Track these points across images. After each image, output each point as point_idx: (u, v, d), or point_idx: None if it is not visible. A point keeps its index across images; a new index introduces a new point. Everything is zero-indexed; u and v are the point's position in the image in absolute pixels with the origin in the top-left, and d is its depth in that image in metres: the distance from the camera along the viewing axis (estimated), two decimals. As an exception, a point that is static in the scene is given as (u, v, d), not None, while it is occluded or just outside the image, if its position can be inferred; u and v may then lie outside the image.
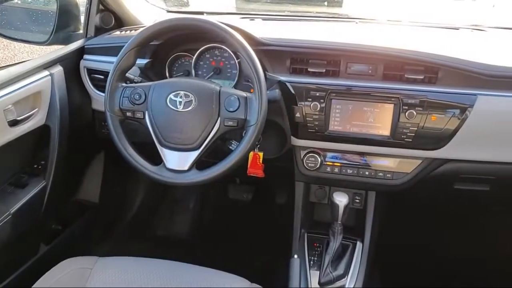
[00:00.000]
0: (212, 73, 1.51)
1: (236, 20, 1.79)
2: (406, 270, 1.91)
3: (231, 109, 1.21)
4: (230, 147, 1.35)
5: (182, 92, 1.23)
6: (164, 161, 1.25)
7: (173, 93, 1.24)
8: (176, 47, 1.55)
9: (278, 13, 2.09)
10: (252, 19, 1.86)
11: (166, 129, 1.24)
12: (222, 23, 1.25)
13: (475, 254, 1.95)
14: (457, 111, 1.26)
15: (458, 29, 1.74)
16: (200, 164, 1.25)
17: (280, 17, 1.96)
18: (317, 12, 2.04)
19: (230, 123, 1.22)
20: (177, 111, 1.23)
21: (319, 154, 1.42)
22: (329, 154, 1.43)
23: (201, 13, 1.99)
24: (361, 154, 1.41)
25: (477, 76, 1.27)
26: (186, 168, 1.23)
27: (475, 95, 1.26)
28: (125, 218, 2.21)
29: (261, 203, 2.28)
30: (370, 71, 1.34)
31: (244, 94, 1.23)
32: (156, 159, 1.26)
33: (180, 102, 1.23)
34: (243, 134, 1.24)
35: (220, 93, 1.23)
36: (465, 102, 1.26)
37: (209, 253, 2.03)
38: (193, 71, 1.52)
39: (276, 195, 2.21)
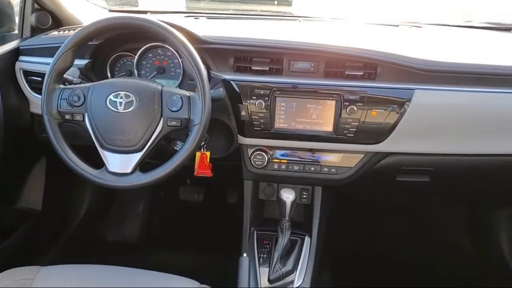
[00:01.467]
0: (156, 72, 1.48)
1: (179, 19, 1.77)
2: (355, 261, 1.96)
3: (174, 109, 1.19)
4: (175, 148, 1.33)
5: (122, 93, 1.20)
6: (106, 164, 1.21)
7: (113, 94, 1.20)
8: (118, 47, 1.51)
9: (224, 11, 2.08)
10: (196, 17, 1.84)
11: (107, 131, 1.21)
12: (163, 21, 1.23)
13: (421, 242, 2.03)
14: (396, 106, 1.30)
15: (397, 26, 1.80)
16: (144, 166, 1.23)
17: (225, 16, 1.96)
18: (261, 11, 2.05)
19: (174, 123, 1.20)
20: (118, 112, 1.19)
21: (266, 152, 1.44)
22: (276, 152, 1.45)
23: (145, 12, 1.95)
24: (307, 150, 1.43)
25: (414, 71, 1.31)
26: (129, 170, 1.20)
27: (412, 89, 1.30)
28: (71, 224, 2.13)
29: (213, 203, 2.27)
30: (312, 69, 1.36)
31: (187, 93, 1.21)
32: (99, 163, 1.23)
33: (121, 102, 1.20)
34: (188, 134, 1.22)
35: (162, 92, 1.20)
36: (403, 97, 1.30)
37: (160, 257, 2.01)
38: (135, 71, 1.48)
39: (228, 194, 2.21)
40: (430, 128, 1.34)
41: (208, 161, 1.43)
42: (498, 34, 1.72)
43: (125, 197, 2.32)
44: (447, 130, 1.34)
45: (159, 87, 1.21)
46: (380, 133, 1.34)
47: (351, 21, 1.88)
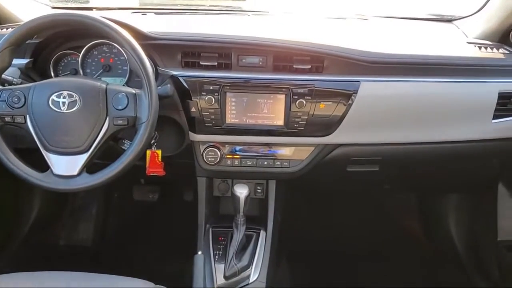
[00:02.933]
0: (102, 70, 1.44)
1: (126, 15, 1.72)
2: (312, 252, 1.98)
3: (119, 107, 1.17)
4: (123, 147, 1.29)
5: (65, 92, 1.16)
6: (51, 167, 1.17)
7: (56, 94, 1.16)
8: (61, 45, 1.45)
9: (173, 7, 2.05)
10: (144, 13, 1.80)
11: (51, 132, 1.17)
12: (106, 18, 1.19)
13: (374, 229, 2.09)
14: (343, 98, 1.33)
15: (345, 19, 1.83)
16: (92, 167, 1.19)
17: (174, 11, 1.93)
18: (210, 5, 2.03)
19: (120, 121, 1.17)
20: (61, 112, 1.16)
21: (218, 148, 1.43)
22: (229, 147, 1.44)
23: (90, 8, 1.89)
24: (259, 145, 1.43)
25: (360, 63, 1.34)
26: (75, 172, 1.17)
27: (358, 81, 1.33)
28: (22, 230, 2.05)
29: (169, 202, 2.24)
30: (260, 63, 1.36)
31: (132, 90, 1.19)
32: (44, 166, 1.18)
33: (64, 102, 1.16)
34: (136, 133, 1.20)
35: (106, 90, 1.18)
36: (349, 89, 1.32)
37: (115, 259, 1.97)
38: (80, 70, 1.43)
39: (183, 192, 2.18)
40: (377, 119, 1.38)
41: (159, 159, 1.41)
42: (440, 25, 1.77)
43: (77, 199, 2.25)
44: (393, 120, 1.38)
45: (104, 85, 1.18)
46: (329, 125, 1.36)
47: (300, 15, 1.89)
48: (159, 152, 1.41)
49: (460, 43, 1.52)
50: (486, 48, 1.47)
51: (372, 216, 2.13)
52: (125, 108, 1.17)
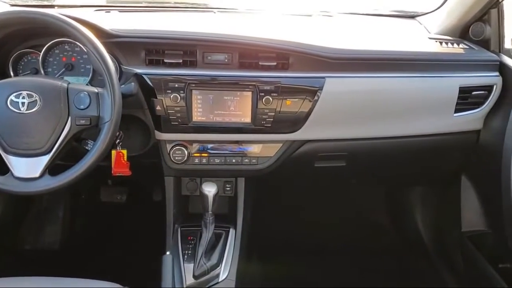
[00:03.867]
0: (64, 69, 1.40)
1: (89, 13, 1.68)
2: (283, 248, 1.99)
3: (81, 107, 1.14)
4: (87, 148, 1.27)
5: (24, 92, 1.13)
6: (11, 169, 1.14)
7: (14, 94, 1.13)
8: (20, 43, 1.40)
9: (137, 4, 2.02)
10: (108, 11, 1.76)
11: (10, 134, 1.13)
12: (66, 15, 1.16)
13: (344, 223, 2.11)
14: (309, 94, 1.34)
15: (310, 16, 1.84)
16: (55, 169, 1.16)
17: (139, 9, 1.89)
18: (175, 3, 2.00)
19: (83, 121, 1.15)
20: (21, 113, 1.12)
21: (185, 147, 1.41)
22: (196, 146, 1.43)
23: (52, 6, 1.84)
24: (227, 142, 1.42)
25: (325, 60, 1.35)
26: (37, 175, 1.13)
27: (323, 78, 1.34)
28: (-17, 237, 1.98)
29: (137, 203, 2.21)
30: (226, 60, 1.36)
31: (95, 89, 1.16)
32: (4, 168, 1.14)
33: (23, 103, 1.12)
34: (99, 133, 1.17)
35: (68, 90, 1.15)
36: (315, 85, 1.33)
37: (83, 262, 1.92)
38: (41, 69, 1.39)
39: (152, 192, 2.15)
40: (342, 115, 1.39)
41: (125, 159, 1.39)
42: (404, 21, 1.80)
43: (43, 202, 2.19)
44: (358, 115, 1.40)
45: (65, 85, 1.15)
46: (296, 122, 1.37)
47: (267, 12, 1.89)
48: (125, 152, 1.38)
49: (422, 38, 1.56)
50: (447, 43, 1.50)
51: (341, 210, 2.16)
52: (87, 107, 1.14)
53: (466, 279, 1.77)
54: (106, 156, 1.24)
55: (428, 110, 1.43)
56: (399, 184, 2.07)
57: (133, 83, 1.30)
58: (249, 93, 1.34)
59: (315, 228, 2.09)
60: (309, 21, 1.78)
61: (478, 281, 1.67)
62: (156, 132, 1.39)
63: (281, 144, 1.43)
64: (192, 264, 1.35)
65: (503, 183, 1.36)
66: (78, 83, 1.25)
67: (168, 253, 1.34)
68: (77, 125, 1.15)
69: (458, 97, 1.42)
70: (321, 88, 1.33)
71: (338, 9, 1.87)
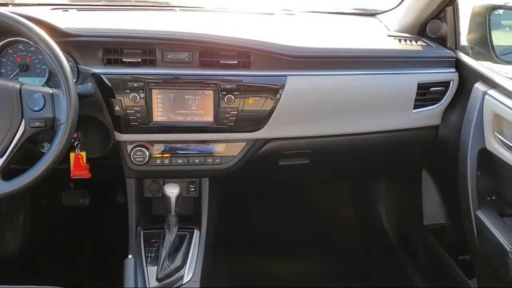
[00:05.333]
0: (18, 70, 1.35)
1: (44, 12, 1.63)
2: (251, 247, 1.99)
3: (36, 108, 1.11)
4: (43, 150, 1.22)
5: None
6: (-39, 174, 1.09)
7: None
8: (-30, 43, 1.35)
9: (97, 2, 1.97)
10: (65, 10, 1.71)
11: (-41, 137, 1.08)
12: (18, 14, 1.12)
13: (309, 219, 2.13)
14: (271, 93, 1.33)
15: (273, 14, 1.84)
16: (10, 173, 1.12)
17: (98, 7, 1.85)
18: (136, 1, 1.97)
19: (37, 123, 1.11)
20: None
21: (146, 148, 1.39)
22: (157, 146, 1.40)
23: (6, 4, 1.77)
24: (189, 142, 1.40)
25: (286, 58, 1.35)
26: (-11, 180, 1.09)
27: (285, 76, 1.34)
28: None
29: (100, 206, 2.16)
30: (187, 59, 1.34)
31: (49, 90, 1.13)
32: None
33: None
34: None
35: (21, 91, 1.11)
36: (276, 84, 1.33)
37: (45, 268, 1.87)
38: None
39: (115, 194, 2.11)
40: (304, 112, 1.40)
41: (84, 161, 1.35)
42: (364, 19, 1.83)
43: (2, 208, 2.11)
44: (320, 113, 1.41)
45: (17, 86, 1.11)
46: (259, 120, 1.37)
47: (229, 11, 1.88)
48: (84, 154, 1.35)
49: (381, 36, 1.58)
50: (405, 40, 1.53)
51: (307, 207, 2.18)
52: (41, 109, 1.11)
53: (428, 271, 1.81)
54: (64, 159, 1.21)
55: (388, 106, 1.46)
56: (362, 180, 2.10)
57: (90, 83, 1.26)
58: (211, 92, 1.32)
59: (282, 226, 2.10)
60: (271, 20, 1.78)
61: (439, 272, 1.71)
62: (116, 133, 1.36)
63: (244, 143, 1.42)
64: (156, 267, 1.32)
65: (460, 177, 1.40)
66: (32, 84, 1.22)
67: (130, 256, 1.31)
68: (31, 127, 1.11)
69: (417, 94, 1.44)
70: (282, 86, 1.33)
71: (300, 8, 1.88)
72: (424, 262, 1.82)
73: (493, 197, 1.36)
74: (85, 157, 1.35)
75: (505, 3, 2.23)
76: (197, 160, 1.42)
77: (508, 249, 1.19)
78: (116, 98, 1.29)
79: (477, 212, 1.34)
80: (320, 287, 1.79)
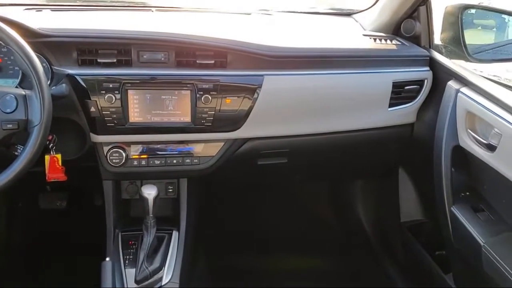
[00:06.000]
0: None
1: (17, 12, 1.60)
2: (231, 247, 1.99)
3: (8, 110, 1.09)
4: (16, 153, 1.20)
5: None
6: None
7: None
8: None
9: (72, 3, 1.94)
10: (39, 10, 1.68)
11: None
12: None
13: (289, 218, 2.14)
14: (248, 92, 1.33)
15: (250, 14, 1.84)
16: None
17: (73, 7, 1.82)
18: (111, 1, 1.95)
19: (10, 126, 1.09)
20: None
21: (123, 149, 1.37)
22: (134, 147, 1.39)
23: (-23, 5, 1.73)
24: (167, 143, 1.40)
25: (263, 58, 1.35)
26: (-40, 183, 1.06)
27: (262, 75, 1.34)
28: None
29: (78, 208, 2.13)
30: (163, 59, 1.33)
31: (22, 92, 1.11)
32: None
33: None
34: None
35: None
36: (253, 83, 1.33)
37: (22, 273, 1.84)
38: None
39: (93, 197, 2.08)
40: (281, 112, 1.40)
41: (60, 164, 1.33)
42: (340, 19, 1.84)
43: (-25, 213, 2.06)
44: (297, 112, 1.42)
45: None
46: (236, 120, 1.36)
47: (206, 11, 1.87)
48: (59, 156, 1.33)
49: (357, 36, 1.60)
50: (380, 40, 1.55)
51: (287, 206, 2.18)
52: (14, 111, 1.09)
53: (406, 267, 1.84)
54: (39, 161, 1.19)
55: (364, 105, 1.47)
56: (340, 178, 2.11)
57: (64, 84, 1.25)
58: (188, 92, 1.32)
59: (261, 225, 2.10)
60: (248, 20, 1.78)
61: (416, 268, 1.74)
62: (92, 134, 1.34)
63: (222, 143, 1.42)
64: (134, 269, 1.31)
65: (435, 174, 1.42)
66: (5, 86, 1.20)
67: (107, 259, 1.29)
68: (3, 129, 1.09)
69: (392, 92, 1.46)
70: (260, 86, 1.33)
71: (277, 8, 1.88)
72: (402, 258, 1.85)
73: (467, 193, 1.39)
74: (60, 159, 1.33)
75: (479, 3, 2.29)
76: (175, 161, 1.41)
77: (482, 243, 1.22)
78: (92, 99, 1.27)
79: (452, 208, 1.37)
80: (300, 286, 1.80)
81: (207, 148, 1.42)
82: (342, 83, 1.42)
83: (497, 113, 1.19)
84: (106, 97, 1.27)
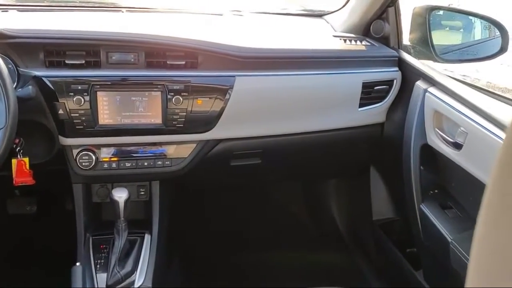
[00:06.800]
0: None
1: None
2: (205, 250, 1.98)
3: None
4: (-20, 158, 1.17)
5: None
6: None
7: None
8: None
9: (39, 3, 1.90)
10: (5, 10, 1.64)
11: None
12: None
13: (265, 218, 2.14)
14: (220, 93, 1.33)
15: (222, 15, 1.84)
16: None
17: (40, 8, 1.78)
18: (81, 2, 1.92)
19: None
20: None
21: (93, 152, 1.35)
22: (104, 150, 1.37)
23: None
24: (137, 145, 1.38)
25: (234, 59, 1.35)
26: None
27: (233, 76, 1.34)
28: None
29: (48, 213, 2.08)
30: (132, 60, 1.31)
31: None
32: None
33: None
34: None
35: None
36: (225, 84, 1.33)
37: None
38: None
39: (64, 201, 2.04)
40: (254, 112, 1.41)
41: (27, 167, 1.31)
42: (312, 20, 1.86)
43: None
44: (269, 113, 1.42)
45: None
46: (208, 121, 1.36)
47: (177, 11, 1.86)
48: (27, 160, 1.30)
49: (327, 37, 1.61)
50: (350, 41, 1.57)
51: (261, 207, 2.19)
52: None
53: (378, 264, 1.86)
54: (6, 165, 1.16)
55: (334, 105, 1.49)
56: (314, 178, 2.13)
57: (31, 86, 1.22)
58: (158, 93, 1.30)
59: (236, 226, 2.10)
60: (220, 20, 1.78)
61: (388, 265, 1.77)
62: (60, 137, 1.31)
63: (195, 144, 1.41)
64: (106, 274, 1.29)
65: (405, 173, 1.45)
66: None
67: (78, 264, 1.27)
68: None
69: (362, 92, 1.48)
70: (231, 87, 1.33)
71: (249, 9, 1.88)
72: (374, 256, 1.87)
73: (436, 191, 1.42)
74: (28, 163, 1.30)
75: (449, 5, 2.34)
76: (146, 163, 1.40)
77: (449, 240, 1.25)
78: (60, 101, 1.25)
79: (421, 205, 1.40)
80: (276, 286, 1.81)
81: (179, 149, 1.41)
82: (312, 84, 1.43)
83: (463, 112, 1.22)
84: (74, 99, 1.25)
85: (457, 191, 1.35)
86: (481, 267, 0.32)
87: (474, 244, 0.33)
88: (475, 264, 0.33)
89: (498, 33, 1.48)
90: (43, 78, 1.24)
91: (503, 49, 1.45)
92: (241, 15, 1.81)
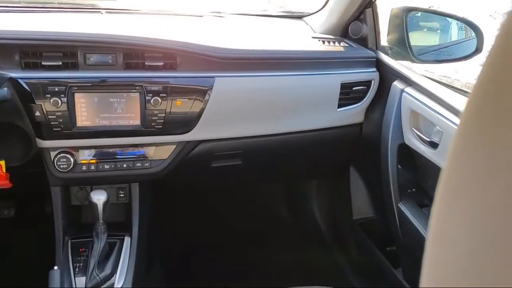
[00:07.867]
0: None
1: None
2: (187, 251, 1.97)
3: None
4: (-46, 161, 1.15)
5: None
6: None
7: None
8: None
9: (16, 4, 1.87)
10: (-20, 11, 1.62)
11: None
12: None
13: (246, 219, 2.15)
14: (199, 94, 1.33)
15: (202, 16, 1.83)
16: None
17: (17, 9, 1.76)
18: (59, 3, 1.89)
19: None
20: None
21: (71, 154, 1.33)
22: (83, 152, 1.36)
23: None
24: (116, 147, 1.37)
25: (213, 60, 1.35)
26: None
27: (213, 77, 1.34)
28: None
29: (27, 216, 2.06)
30: (110, 61, 1.30)
31: None
32: None
33: None
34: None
35: None
36: (204, 85, 1.33)
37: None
38: None
39: (43, 204, 2.02)
40: (234, 113, 1.41)
41: (4, 170, 1.29)
42: (291, 21, 1.87)
43: None
44: (249, 114, 1.43)
45: None
46: (188, 122, 1.36)
47: (157, 13, 1.85)
48: (3, 163, 1.29)
49: (306, 38, 1.62)
50: (329, 42, 1.58)
51: (243, 208, 2.19)
52: None
53: (359, 263, 1.88)
54: (-20, 169, 1.15)
55: (314, 106, 1.50)
56: (295, 179, 2.14)
57: (6, 88, 1.20)
58: (137, 95, 1.30)
59: (218, 227, 2.10)
60: (200, 22, 1.78)
61: (368, 264, 1.79)
62: (38, 139, 1.30)
63: (174, 146, 1.41)
64: (84, 277, 1.28)
65: (383, 172, 1.47)
66: None
67: (56, 267, 1.26)
68: None
69: (340, 93, 1.50)
70: (211, 88, 1.33)
71: (229, 10, 1.89)
72: (355, 255, 1.89)
73: (413, 189, 1.44)
74: (4, 166, 1.29)
75: (430, 7, 2.37)
76: (125, 165, 1.39)
77: (426, 238, 1.26)
78: (36, 103, 1.23)
79: (398, 204, 1.42)
80: (257, 286, 1.81)
81: (158, 151, 1.41)
82: (291, 85, 1.44)
83: (439, 112, 1.24)
84: (51, 101, 1.23)
85: (434, 189, 1.37)
86: (433, 264, 0.32)
87: (427, 240, 0.33)
88: (428, 261, 0.33)
89: (473, 34, 1.51)
90: (19, 80, 1.22)
91: (478, 50, 1.48)
92: (221, 17, 1.81)
